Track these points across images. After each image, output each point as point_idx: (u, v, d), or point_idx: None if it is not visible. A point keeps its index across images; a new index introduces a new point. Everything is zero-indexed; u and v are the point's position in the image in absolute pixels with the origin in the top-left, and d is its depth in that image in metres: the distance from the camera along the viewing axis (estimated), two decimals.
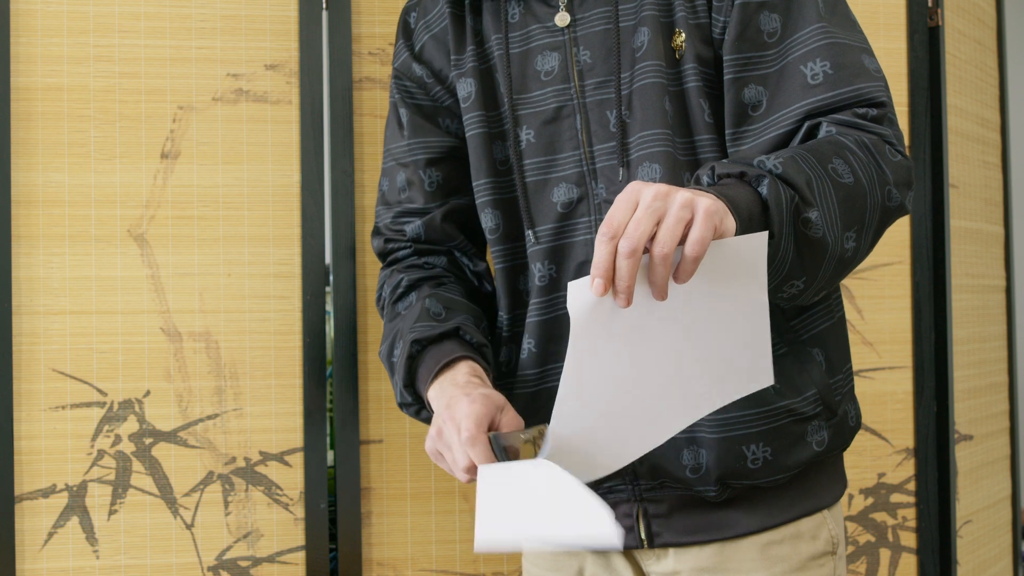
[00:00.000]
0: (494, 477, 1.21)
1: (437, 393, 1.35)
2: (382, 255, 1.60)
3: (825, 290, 1.33)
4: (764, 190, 1.20)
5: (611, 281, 1.10)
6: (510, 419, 1.29)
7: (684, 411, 1.26)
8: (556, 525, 1.15)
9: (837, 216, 1.25)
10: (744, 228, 1.18)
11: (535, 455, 1.23)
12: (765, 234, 1.15)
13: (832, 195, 1.25)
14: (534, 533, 1.17)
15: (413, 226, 1.55)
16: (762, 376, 1.25)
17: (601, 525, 1.12)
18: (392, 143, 1.59)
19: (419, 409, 1.43)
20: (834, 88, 1.34)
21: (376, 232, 1.61)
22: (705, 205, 1.11)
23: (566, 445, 1.22)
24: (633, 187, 1.12)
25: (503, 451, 1.24)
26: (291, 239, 1.89)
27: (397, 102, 1.58)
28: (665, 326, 1.17)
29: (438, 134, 1.55)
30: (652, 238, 1.10)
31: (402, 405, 1.45)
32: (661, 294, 1.13)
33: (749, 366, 1.24)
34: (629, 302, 1.11)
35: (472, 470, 1.26)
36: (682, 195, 1.11)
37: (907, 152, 1.38)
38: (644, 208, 1.10)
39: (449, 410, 1.29)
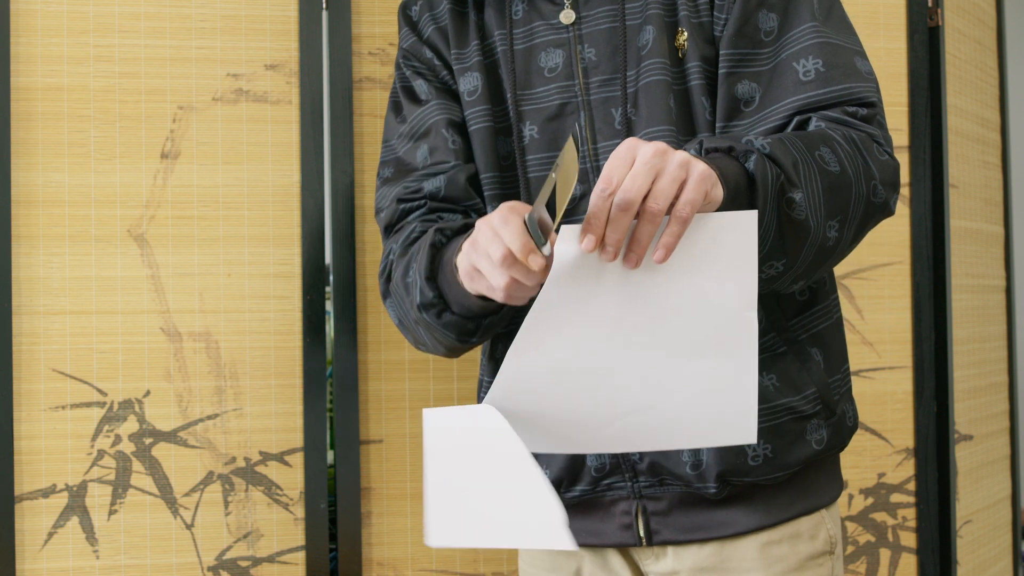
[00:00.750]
0: (443, 460, 1.17)
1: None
2: (389, 227, 1.51)
3: (803, 280, 1.33)
4: (751, 165, 1.22)
5: (602, 238, 1.10)
6: None
7: (649, 427, 1.23)
8: (511, 526, 1.14)
9: (821, 202, 1.26)
10: (731, 199, 1.18)
11: (566, 189, 1.14)
12: (755, 213, 1.15)
13: (817, 180, 1.26)
14: (487, 533, 1.15)
15: (434, 181, 1.48)
16: (745, 427, 1.22)
17: (555, 528, 1.12)
18: (411, 117, 1.53)
19: (441, 310, 1.36)
20: (825, 86, 1.35)
21: (379, 210, 1.53)
22: (700, 169, 1.12)
23: (517, 400, 1.19)
24: (630, 143, 1.12)
25: (537, 227, 1.16)
26: (291, 239, 1.89)
27: (410, 76, 1.55)
28: (641, 311, 1.16)
29: (455, 103, 1.53)
30: (646, 196, 1.10)
31: (423, 306, 1.37)
32: (637, 258, 1.12)
33: (731, 404, 1.21)
34: (615, 256, 1.11)
35: (510, 260, 1.16)
36: (680, 155, 1.12)
37: (895, 155, 1.38)
38: (642, 163, 1.10)
39: (483, 220, 1.22)
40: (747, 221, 1.15)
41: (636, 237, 1.12)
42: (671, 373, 1.20)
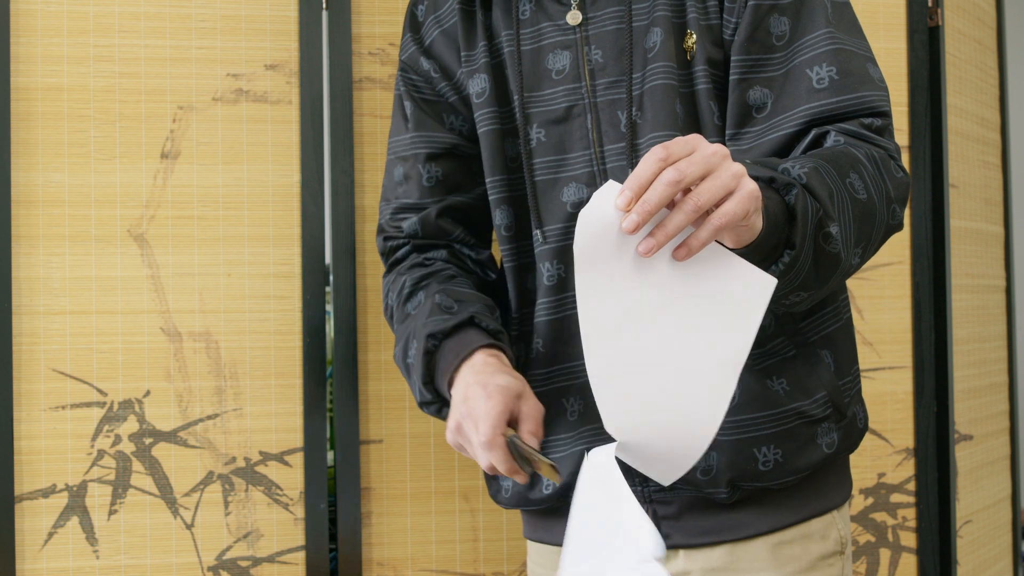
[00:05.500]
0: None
1: (457, 386, 1.34)
2: (384, 255, 1.58)
3: (818, 299, 1.33)
4: (792, 199, 1.20)
5: (638, 197, 1.09)
6: (530, 407, 1.29)
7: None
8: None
9: (852, 232, 1.25)
10: (768, 232, 1.17)
11: (557, 474, 1.21)
12: (774, 281, 1.14)
13: (849, 211, 1.25)
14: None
15: (409, 222, 1.53)
16: (672, 472, 1.23)
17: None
18: (394, 136, 1.57)
19: (440, 407, 1.41)
20: (839, 94, 1.34)
21: (379, 230, 1.59)
22: (750, 187, 1.11)
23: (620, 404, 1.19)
24: (695, 137, 1.12)
25: (522, 459, 1.23)
26: (291, 239, 1.89)
27: (402, 95, 1.56)
28: (647, 324, 1.15)
29: (441, 130, 1.54)
30: (688, 190, 1.10)
31: (423, 404, 1.42)
32: (656, 244, 1.10)
33: (678, 449, 1.21)
34: (639, 228, 1.09)
35: (494, 470, 1.26)
36: (737, 166, 1.11)
37: (905, 166, 1.38)
38: (702, 155, 1.10)
39: (466, 404, 1.29)
40: (765, 285, 1.13)
41: (664, 223, 1.10)
42: (649, 389, 1.19)
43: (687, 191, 1.10)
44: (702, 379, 1.16)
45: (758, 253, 1.18)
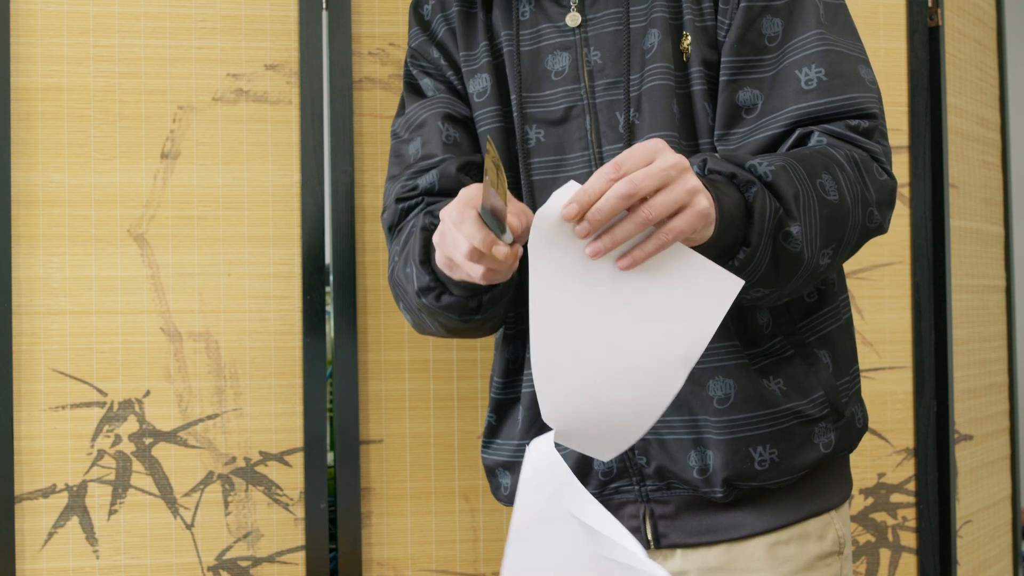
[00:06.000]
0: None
1: None
2: (392, 226, 1.50)
3: (788, 297, 1.33)
4: (751, 197, 1.21)
5: (585, 211, 1.10)
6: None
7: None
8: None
9: (818, 233, 1.26)
10: (721, 234, 1.18)
11: (501, 183, 1.14)
12: (740, 282, 1.15)
13: (816, 211, 1.26)
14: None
15: (427, 177, 1.47)
16: (609, 451, 1.24)
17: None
18: (406, 108, 1.54)
19: (440, 293, 1.35)
20: (827, 95, 1.34)
21: (384, 208, 1.53)
22: (703, 205, 1.13)
23: (561, 396, 1.20)
24: (656, 144, 1.13)
25: (491, 215, 1.16)
26: (291, 239, 1.89)
27: (416, 75, 1.55)
28: (603, 311, 1.16)
29: (458, 100, 1.52)
30: (643, 200, 1.11)
31: (421, 291, 1.35)
32: (604, 249, 1.12)
33: (617, 433, 1.22)
34: (587, 235, 1.11)
35: (476, 254, 1.17)
36: (693, 181, 1.12)
37: (892, 169, 1.38)
38: (660, 167, 1.11)
39: (444, 211, 1.23)
40: (731, 285, 1.15)
41: (613, 229, 1.12)
42: (595, 381, 1.19)
43: (643, 200, 1.11)
44: (651, 372, 1.18)
45: (714, 250, 1.19)
